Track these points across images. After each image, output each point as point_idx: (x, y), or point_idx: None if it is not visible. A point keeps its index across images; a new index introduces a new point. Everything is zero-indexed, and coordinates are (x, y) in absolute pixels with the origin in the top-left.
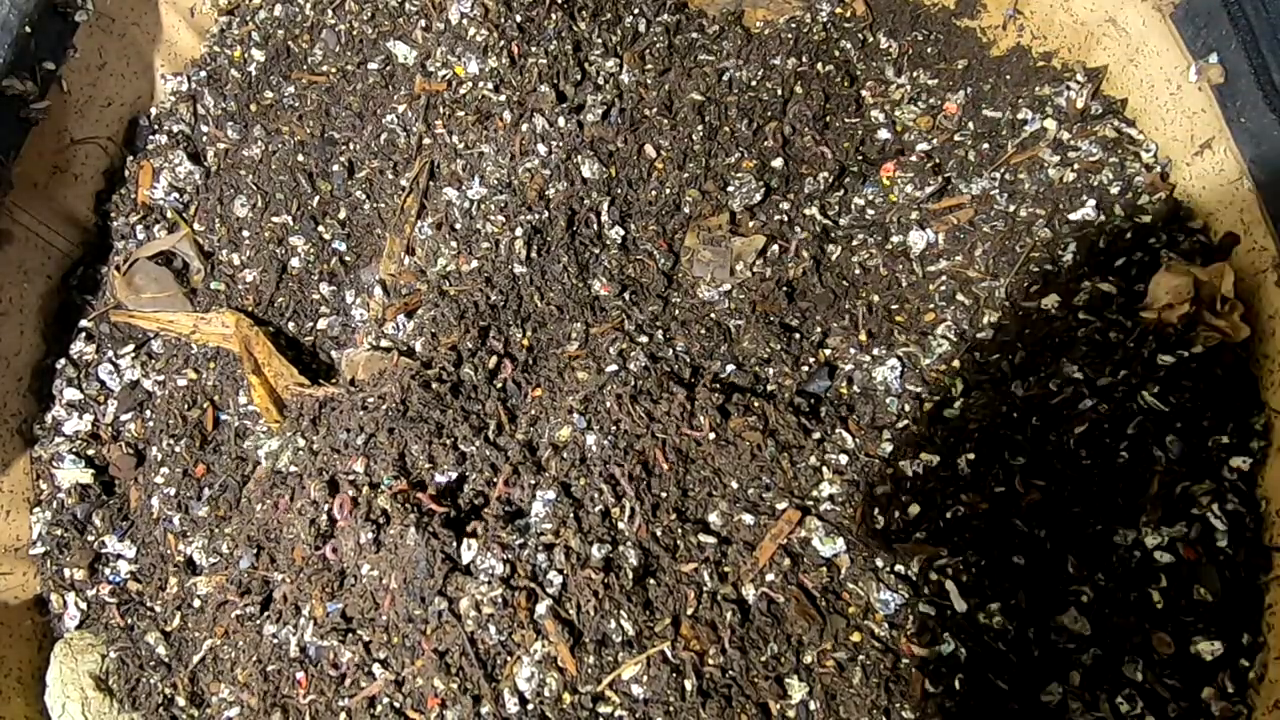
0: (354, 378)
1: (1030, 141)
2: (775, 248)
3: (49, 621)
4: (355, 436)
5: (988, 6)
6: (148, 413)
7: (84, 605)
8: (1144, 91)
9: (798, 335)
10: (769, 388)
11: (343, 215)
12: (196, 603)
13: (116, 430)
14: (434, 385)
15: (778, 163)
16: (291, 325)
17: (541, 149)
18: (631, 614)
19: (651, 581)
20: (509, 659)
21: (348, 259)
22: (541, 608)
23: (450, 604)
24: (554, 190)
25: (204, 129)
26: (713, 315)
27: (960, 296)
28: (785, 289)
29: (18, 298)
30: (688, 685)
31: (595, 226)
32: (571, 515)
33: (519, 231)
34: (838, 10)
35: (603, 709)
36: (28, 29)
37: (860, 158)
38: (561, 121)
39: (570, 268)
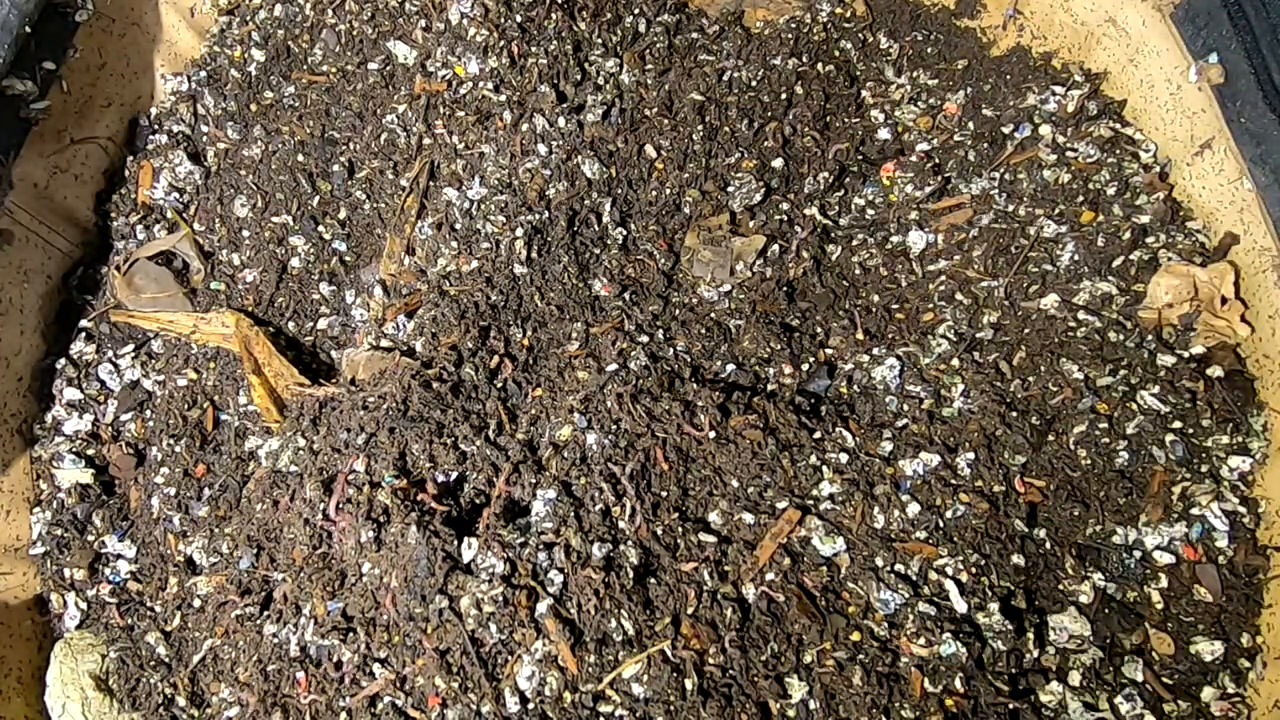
0: (354, 378)
1: (1029, 142)
2: (775, 248)
3: (49, 621)
4: (356, 436)
5: (988, 6)
6: (148, 413)
7: (84, 605)
8: (1144, 92)
9: (798, 335)
10: (769, 387)
11: (343, 215)
12: (196, 603)
13: (116, 430)
14: (434, 385)
15: (778, 163)
16: (291, 325)
17: (542, 149)
18: (632, 613)
19: (652, 580)
20: (510, 658)
21: (348, 259)
22: (542, 606)
23: (451, 603)
24: (554, 190)
25: (204, 129)
26: (713, 315)
27: (960, 296)
28: (785, 289)
29: (18, 298)
30: (688, 684)
31: (596, 226)
32: (572, 514)
33: (519, 231)
34: (838, 10)
35: (603, 708)
36: (28, 29)
37: (860, 158)
38: (562, 121)
39: (571, 268)
